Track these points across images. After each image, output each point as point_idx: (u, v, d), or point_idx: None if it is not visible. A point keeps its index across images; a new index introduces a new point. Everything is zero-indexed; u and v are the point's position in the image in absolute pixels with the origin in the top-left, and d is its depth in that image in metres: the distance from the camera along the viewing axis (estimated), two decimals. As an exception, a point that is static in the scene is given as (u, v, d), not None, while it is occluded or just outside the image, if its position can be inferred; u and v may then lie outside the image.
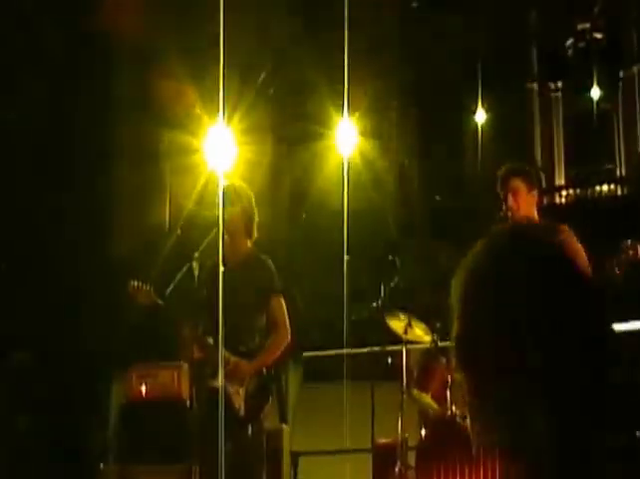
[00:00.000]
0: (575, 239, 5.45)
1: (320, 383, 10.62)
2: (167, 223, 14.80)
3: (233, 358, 5.75)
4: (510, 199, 5.35)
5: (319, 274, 16.44)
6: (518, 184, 5.38)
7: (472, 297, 1.39)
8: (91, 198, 12.30)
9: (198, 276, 5.62)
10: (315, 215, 16.88)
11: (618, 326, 10.88)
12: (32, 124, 11.45)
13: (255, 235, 6.01)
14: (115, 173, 16.05)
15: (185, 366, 6.83)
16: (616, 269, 5.03)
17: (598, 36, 16.13)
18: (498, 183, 5.45)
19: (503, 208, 5.39)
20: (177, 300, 5.71)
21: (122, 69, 13.44)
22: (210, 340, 5.79)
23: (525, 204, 5.36)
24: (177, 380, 8.72)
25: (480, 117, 16.29)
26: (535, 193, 5.44)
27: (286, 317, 5.87)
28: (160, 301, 5.77)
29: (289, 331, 5.86)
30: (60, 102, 11.89)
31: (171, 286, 5.67)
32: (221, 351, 5.64)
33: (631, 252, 5.03)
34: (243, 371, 5.73)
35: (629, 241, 5.10)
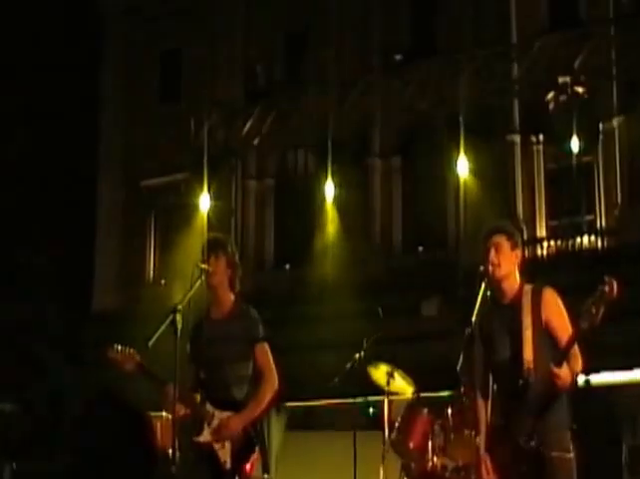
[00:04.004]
0: (558, 298, 5.46)
1: (303, 432, 10.57)
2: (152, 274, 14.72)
3: (219, 414, 5.73)
4: (493, 254, 5.34)
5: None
6: (502, 241, 5.38)
7: None
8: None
9: (182, 330, 5.52)
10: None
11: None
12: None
13: (238, 287, 5.98)
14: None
15: (169, 417, 6.78)
16: (592, 311, 4.80)
17: (579, 89, 16.31)
18: (482, 238, 5.44)
19: (485, 264, 5.36)
20: (160, 354, 5.64)
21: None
22: (197, 396, 5.76)
23: (507, 261, 5.36)
24: (160, 431, 8.68)
25: (462, 168, 16.32)
26: (519, 252, 5.43)
27: (272, 364, 5.83)
28: (143, 364, 5.71)
29: (276, 378, 5.82)
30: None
31: (154, 339, 5.57)
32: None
33: (607, 289, 4.81)
34: (232, 429, 5.70)
35: (605, 278, 4.85)
